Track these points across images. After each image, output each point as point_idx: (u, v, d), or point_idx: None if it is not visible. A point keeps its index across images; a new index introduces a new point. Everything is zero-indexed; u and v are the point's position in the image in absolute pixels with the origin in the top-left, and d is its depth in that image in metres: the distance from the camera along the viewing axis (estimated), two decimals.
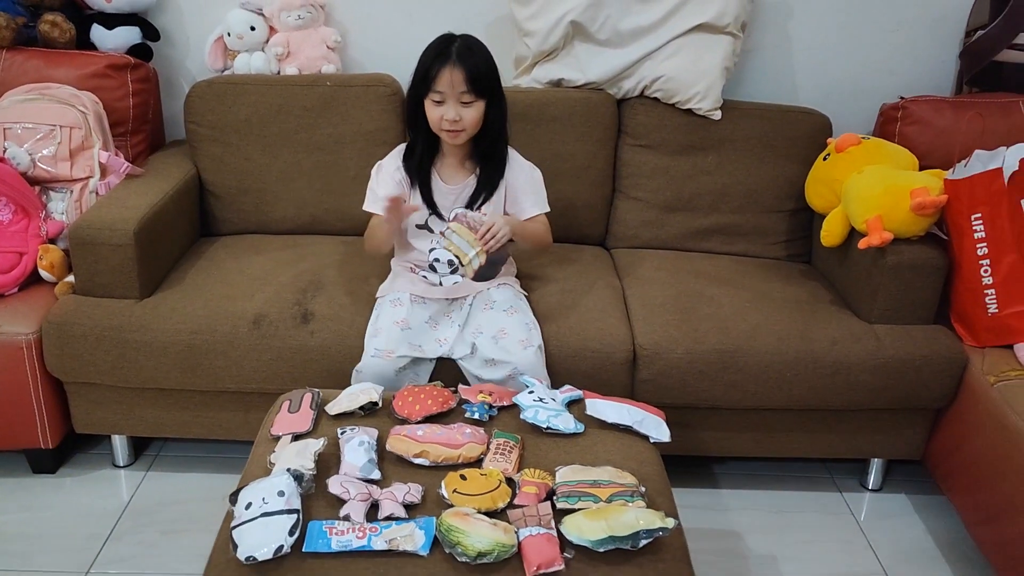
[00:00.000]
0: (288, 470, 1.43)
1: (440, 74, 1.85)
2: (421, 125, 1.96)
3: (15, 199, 2.13)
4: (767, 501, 2.20)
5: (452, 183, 2.03)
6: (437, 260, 2.01)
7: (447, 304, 2.03)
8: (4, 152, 2.17)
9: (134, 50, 2.46)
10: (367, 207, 2.03)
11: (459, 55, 1.85)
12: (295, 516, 1.35)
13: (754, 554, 2.02)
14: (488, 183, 2.01)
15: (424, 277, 2.05)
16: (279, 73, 2.51)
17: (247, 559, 1.31)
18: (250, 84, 2.42)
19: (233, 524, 1.37)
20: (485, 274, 1.94)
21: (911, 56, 2.62)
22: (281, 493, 1.37)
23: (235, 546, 1.33)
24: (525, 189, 2.04)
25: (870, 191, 2.12)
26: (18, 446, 2.11)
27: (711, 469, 2.31)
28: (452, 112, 1.87)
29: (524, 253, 2.24)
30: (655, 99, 2.47)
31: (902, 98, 2.48)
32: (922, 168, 2.28)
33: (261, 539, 1.32)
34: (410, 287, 2.03)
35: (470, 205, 2.01)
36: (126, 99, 2.40)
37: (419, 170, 2.01)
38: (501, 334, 1.92)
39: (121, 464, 2.21)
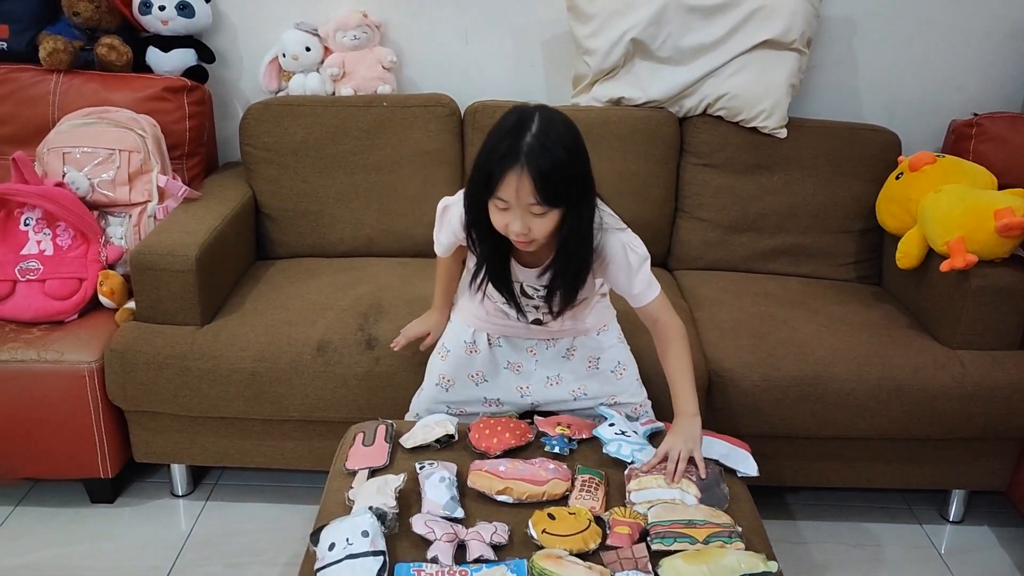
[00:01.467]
0: (371, 508, 1.38)
1: (504, 179, 1.42)
2: (485, 225, 1.53)
3: (75, 224, 2.10)
4: (845, 533, 2.12)
5: (531, 265, 1.63)
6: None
7: (530, 345, 1.77)
8: (64, 177, 2.14)
9: (189, 72, 2.43)
10: (436, 249, 1.79)
11: (530, 156, 1.40)
12: (381, 558, 1.30)
13: None
14: (566, 293, 1.61)
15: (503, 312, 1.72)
16: (334, 94, 2.48)
17: None
18: (306, 105, 2.39)
19: (317, 566, 1.31)
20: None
21: (980, 71, 2.55)
22: (365, 533, 1.32)
23: None
24: (622, 279, 1.62)
25: (950, 211, 2.05)
26: (77, 475, 2.07)
27: (784, 499, 2.23)
28: (519, 224, 1.46)
29: None
30: (718, 117, 2.42)
31: (976, 114, 2.40)
32: (1000, 187, 2.21)
33: None
34: (485, 322, 1.76)
35: (547, 301, 1.65)
36: (182, 122, 2.37)
37: (493, 264, 1.62)
38: (610, 400, 1.78)
39: (180, 493, 2.17)
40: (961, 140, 2.40)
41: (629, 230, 1.63)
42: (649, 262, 1.64)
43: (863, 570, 2.01)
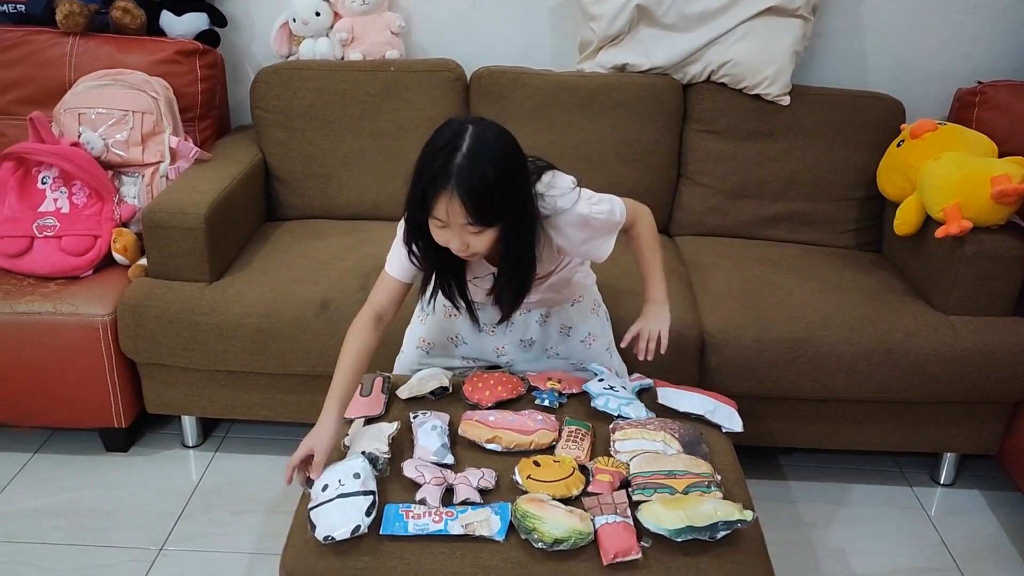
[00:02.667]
0: (363, 453, 1.44)
1: (436, 200, 1.40)
2: (427, 238, 1.50)
3: (90, 183, 2.17)
4: (835, 494, 2.17)
5: (480, 273, 1.64)
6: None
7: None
8: (79, 137, 2.21)
9: (202, 36, 2.48)
10: (387, 267, 1.65)
11: (459, 177, 1.36)
12: (371, 498, 1.36)
13: (823, 547, 1.99)
14: (507, 291, 1.57)
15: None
16: (343, 59, 2.52)
17: (325, 539, 1.32)
18: (315, 69, 2.43)
19: (311, 505, 1.38)
20: None
21: (986, 39, 2.54)
22: (357, 475, 1.38)
23: (313, 526, 1.35)
24: (585, 244, 1.58)
25: (948, 178, 2.06)
26: (92, 424, 2.15)
27: (777, 460, 2.27)
28: (456, 243, 1.45)
29: None
30: (722, 84, 2.43)
31: (979, 82, 2.40)
32: (1001, 155, 2.21)
33: (339, 520, 1.33)
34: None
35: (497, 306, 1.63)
36: (194, 85, 2.43)
37: (443, 274, 1.60)
38: (580, 365, 1.84)
39: (190, 444, 2.25)
40: (964, 108, 2.40)
41: (583, 195, 1.54)
42: (615, 203, 1.59)
43: (850, 529, 2.05)
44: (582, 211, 1.53)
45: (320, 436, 1.47)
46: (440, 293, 1.63)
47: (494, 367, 1.87)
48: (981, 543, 2.04)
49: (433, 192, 1.40)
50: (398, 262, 1.62)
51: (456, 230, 1.43)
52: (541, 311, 1.84)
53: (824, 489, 2.18)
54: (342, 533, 1.32)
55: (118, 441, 2.21)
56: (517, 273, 1.54)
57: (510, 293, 1.58)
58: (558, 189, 1.53)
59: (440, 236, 1.47)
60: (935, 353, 1.99)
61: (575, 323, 1.85)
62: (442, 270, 1.59)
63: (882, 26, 2.54)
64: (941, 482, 2.23)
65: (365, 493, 1.36)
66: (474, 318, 1.70)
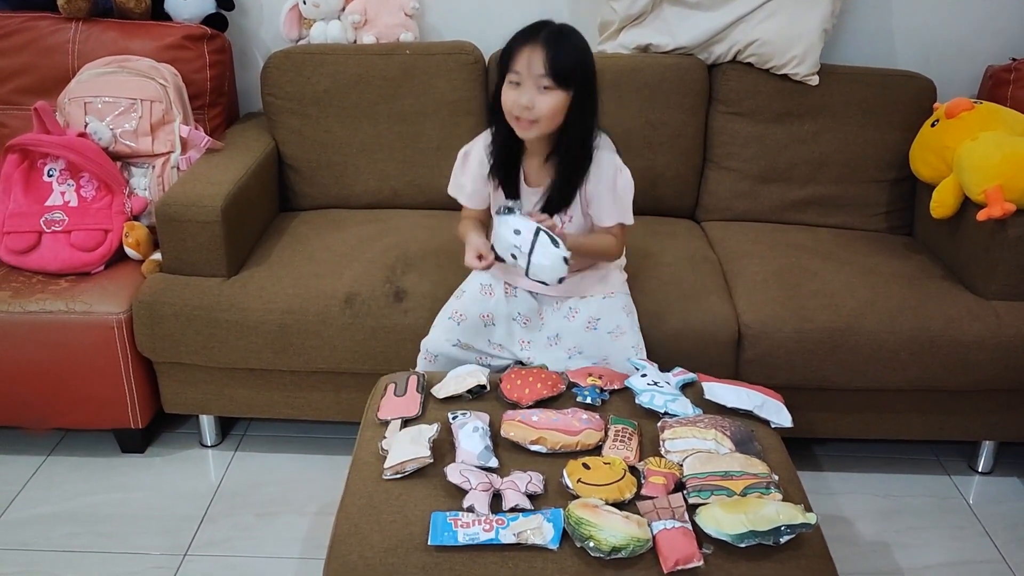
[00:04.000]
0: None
1: (519, 53, 1.61)
2: (501, 116, 1.69)
3: (99, 175, 2.08)
4: (874, 485, 2.12)
5: (534, 184, 1.78)
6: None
7: (539, 304, 1.85)
8: (86, 127, 2.12)
9: (209, 20, 2.39)
10: (452, 193, 1.86)
11: (546, 37, 1.60)
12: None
13: (865, 541, 1.94)
14: (560, 192, 1.73)
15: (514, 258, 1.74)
16: (356, 42, 2.43)
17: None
18: (328, 54, 2.35)
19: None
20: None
21: (1019, 14, 2.47)
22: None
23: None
24: (605, 196, 1.73)
25: (988, 159, 2.00)
26: (108, 425, 2.08)
27: (812, 451, 2.22)
28: (526, 97, 1.61)
29: None
30: (748, 64, 2.36)
31: (1014, 59, 2.34)
32: None
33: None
34: (503, 273, 1.84)
35: (546, 211, 1.74)
36: (203, 71, 2.34)
37: (503, 167, 1.76)
38: (603, 363, 1.78)
39: (209, 444, 2.18)
40: (998, 86, 2.34)
41: (625, 168, 1.75)
42: (631, 194, 1.75)
43: (892, 521, 2.00)
44: (618, 162, 1.73)
45: (479, 239, 1.71)
46: (499, 172, 1.77)
47: (519, 363, 1.82)
48: None
49: (518, 45, 1.62)
50: (458, 188, 1.85)
51: (528, 86, 1.61)
52: (571, 305, 1.82)
53: (863, 480, 2.13)
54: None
55: (135, 442, 2.14)
56: (574, 149, 1.69)
57: (567, 171, 1.70)
58: (607, 137, 1.76)
59: (510, 97, 1.64)
60: (978, 340, 1.94)
61: (603, 315, 1.81)
62: (507, 144, 1.73)
63: (911, 2, 2.47)
64: (979, 470, 2.19)
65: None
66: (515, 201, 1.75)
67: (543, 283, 1.65)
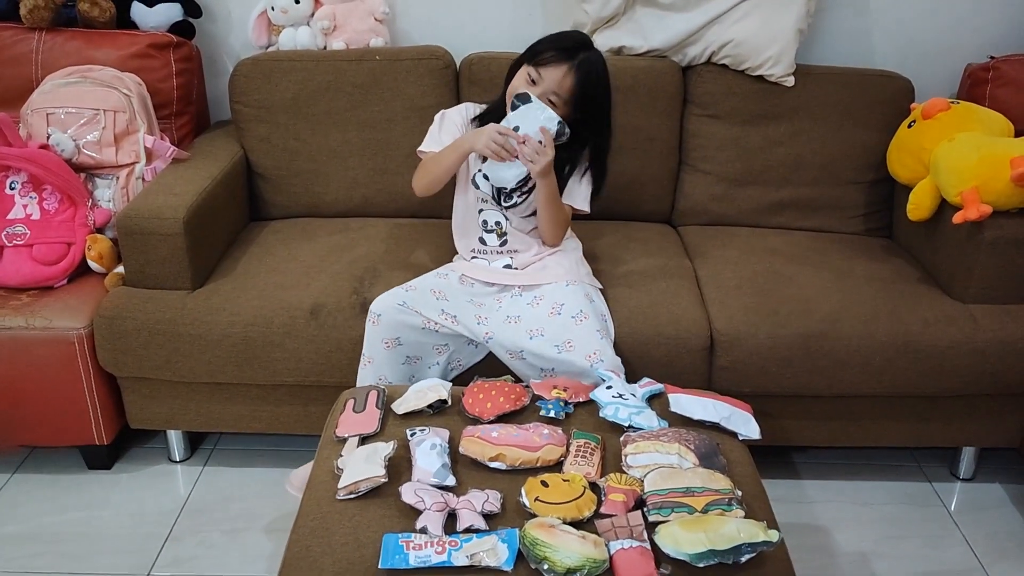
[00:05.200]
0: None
1: (555, 66, 1.77)
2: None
3: (61, 187, 2.05)
4: (852, 492, 2.08)
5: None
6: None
7: (498, 290, 1.90)
8: (48, 139, 2.09)
9: (175, 28, 2.36)
10: (426, 148, 1.94)
11: (585, 71, 1.78)
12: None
13: (842, 551, 1.90)
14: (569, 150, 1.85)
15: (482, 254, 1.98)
16: (325, 48, 2.40)
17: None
18: (297, 60, 2.31)
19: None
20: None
21: (997, 12, 2.44)
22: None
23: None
24: (580, 181, 1.92)
25: (964, 161, 1.97)
26: (72, 442, 2.05)
27: (790, 459, 2.19)
28: (538, 91, 1.79)
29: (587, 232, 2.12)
30: (723, 66, 2.33)
31: (992, 57, 2.30)
32: (1017, 134, 2.12)
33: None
34: (463, 267, 1.95)
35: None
36: (169, 80, 2.31)
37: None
38: (567, 346, 1.75)
39: (177, 459, 2.15)
40: (977, 85, 2.30)
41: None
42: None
43: (871, 529, 1.97)
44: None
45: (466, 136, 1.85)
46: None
47: (472, 343, 1.85)
48: (1005, 541, 1.96)
49: (553, 59, 1.77)
50: (435, 143, 1.93)
51: (540, 90, 1.78)
52: (535, 293, 1.85)
53: (840, 488, 2.09)
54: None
55: (100, 458, 2.10)
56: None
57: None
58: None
59: (522, 83, 1.81)
60: (955, 345, 1.90)
61: (567, 301, 1.82)
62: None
63: (887, 0, 2.43)
64: (960, 476, 2.15)
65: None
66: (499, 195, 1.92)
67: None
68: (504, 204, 1.91)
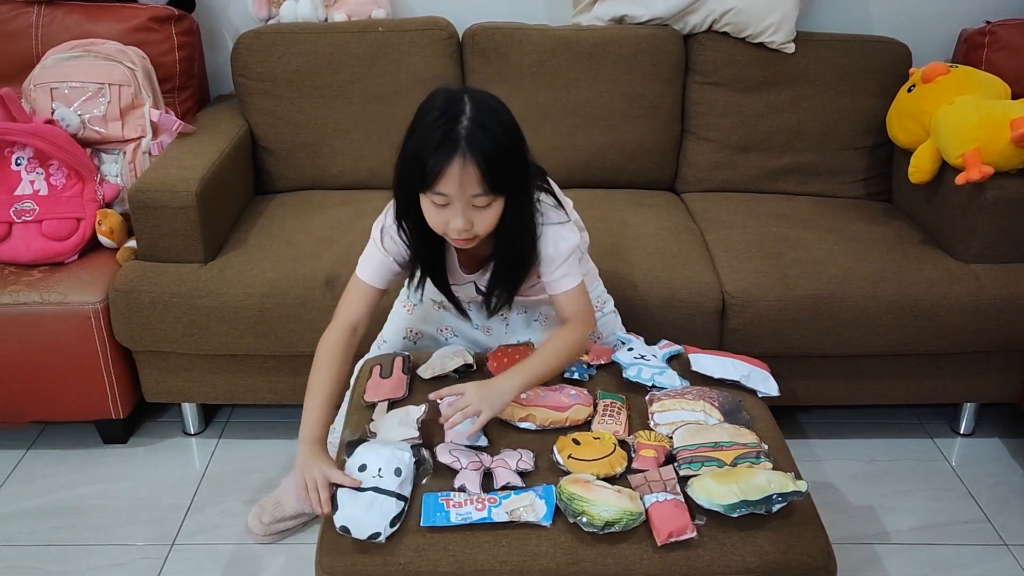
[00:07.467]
0: (414, 447, 1.35)
1: (445, 172, 1.29)
2: (414, 218, 1.42)
3: (68, 162, 2.04)
4: (858, 450, 2.13)
5: (471, 271, 1.57)
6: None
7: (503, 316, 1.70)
8: (53, 113, 2.07)
9: (175, 1, 2.34)
10: (359, 272, 1.55)
11: (470, 141, 1.28)
12: (402, 505, 1.28)
13: (852, 506, 1.96)
14: (502, 280, 1.51)
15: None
16: (327, 20, 2.39)
17: (341, 528, 1.25)
18: (299, 33, 2.30)
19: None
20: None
21: None
22: (399, 472, 1.29)
23: (336, 507, 1.27)
24: (556, 266, 1.49)
25: (965, 123, 2.00)
26: (88, 417, 2.05)
27: (796, 419, 2.24)
28: (460, 221, 1.34)
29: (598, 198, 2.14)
30: (724, 33, 2.34)
31: (988, 22, 2.34)
32: (1014, 96, 2.16)
33: (362, 517, 1.25)
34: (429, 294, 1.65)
35: (486, 302, 1.56)
36: (171, 53, 2.29)
37: (426, 260, 1.52)
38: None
39: (192, 432, 2.16)
40: (973, 49, 2.34)
41: (570, 222, 1.51)
42: (578, 253, 1.52)
43: (879, 484, 2.02)
44: (559, 232, 1.47)
45: (324, 464, 1.32)
46: (427, 282, 1.54)
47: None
48: (1007, 491, 2.02)
49: (440, 162, 1.28)
50: (371, 266, 1.52)
51: (461, 206, 1.33)
52: (540, 311, 1.74)
53: (847, 446, 2.14)
54: (358, 533, 1.24)
55: (116, 432, 2.11)
56: (513, 254, 1.45)
57: (506, 279, 1.50)
58: (549, 199, 1.49)
59: (439, 217, 1.36)
60: (959, 303, 1.95)
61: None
62: (428, 261, 1.51)
63: None
64: (961, 432, 2.21)
65: (399, 497, 1.28)
66: (461, 311, 1.63)
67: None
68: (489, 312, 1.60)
